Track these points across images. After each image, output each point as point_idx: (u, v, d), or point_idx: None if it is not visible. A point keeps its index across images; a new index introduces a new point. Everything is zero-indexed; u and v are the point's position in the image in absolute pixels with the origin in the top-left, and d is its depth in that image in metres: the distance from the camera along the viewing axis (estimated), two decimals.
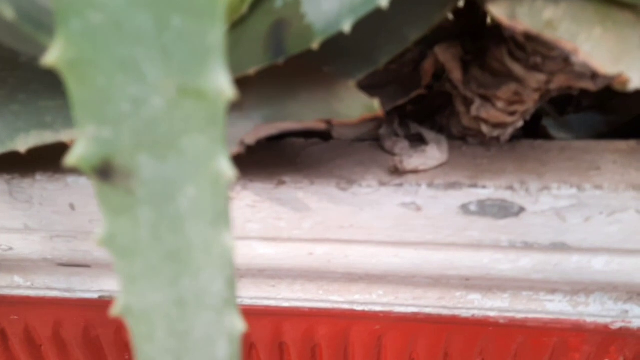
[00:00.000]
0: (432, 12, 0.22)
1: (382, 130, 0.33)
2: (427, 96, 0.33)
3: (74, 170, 0.31)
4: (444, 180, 0.29)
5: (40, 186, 0.31)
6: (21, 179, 0.31)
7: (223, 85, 0.13)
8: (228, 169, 0.13)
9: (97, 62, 0.13)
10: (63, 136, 0.25)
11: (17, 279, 0.40)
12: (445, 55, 0.27)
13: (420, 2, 0.22)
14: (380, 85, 0.30)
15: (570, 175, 0.29)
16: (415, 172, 0.30)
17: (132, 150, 0.13)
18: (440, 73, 0.30)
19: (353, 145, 0.33)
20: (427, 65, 0.28)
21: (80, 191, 0.32)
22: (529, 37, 0.20)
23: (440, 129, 0.33)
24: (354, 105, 0.24)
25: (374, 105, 0.23)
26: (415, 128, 0.33)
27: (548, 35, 0.19)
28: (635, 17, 0.20)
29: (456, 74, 0.27)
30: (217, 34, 0.13)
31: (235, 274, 0.14)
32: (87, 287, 0.39)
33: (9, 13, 0.17)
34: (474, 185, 0.29)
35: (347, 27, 0.21)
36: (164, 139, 0.13)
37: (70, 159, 0.13)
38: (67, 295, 0.40)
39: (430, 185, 0.29)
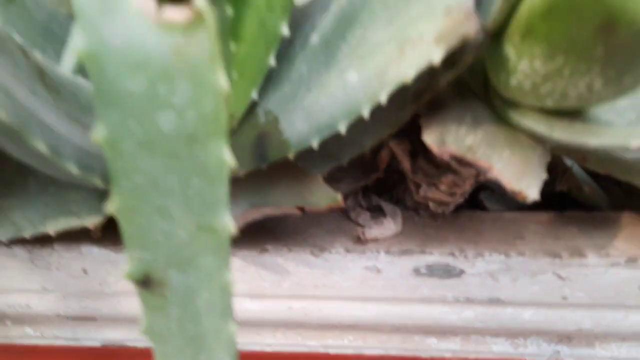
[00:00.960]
0: (383, 130, 0.29)
1: (348, 202, 0.39)
2: (385, 174, 0.39)
3: (87, 240, 0.37)
4: (399, 248, 0.35)
5: (58, 254, 0.37)
6: (41, 248, 0.37)
7: (227, 224, 0.19)
8: (231, 279, 0.20)
9: (141, 209, 0.19)
10: (86, 222, 0.31)
11: (28, 330, 0.45)
12: (397, 149, 0.34)
13: (375, 122, 0.28)
14: (345, 169, 0.37)
15: (500, 243, 0.35)
16: (375, 240, 0.36)
17: (164, 267, 0.19)
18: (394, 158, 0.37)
19: (323, 215, 0.39)
20: (384, 155, 0.35)
21: (92, 259, 0.37)
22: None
23: (397, 201, 0.40)
24: (322, 196, 0.30)
25: (338, 198, 0.30)
26: (375, 200, 0.39)
27: (469, 157, 0.26)
28: (534, 141, 0.27)
29: (406, 164, 0.34)
30: (223, 191, 0.19)
31: (237, 350, 0.20)
32: (91, 336, 0.45)
33: (74, 169, 0.23)
34: (423, 252, 0.35)
35: (315, 144, 0.27)
36: (186, 259, 0.19)
37: (125, 274, 0.19)
38: (73, 343, 0.45)
39: (388, 252, 0.35)
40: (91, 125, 0.24)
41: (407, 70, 0.23)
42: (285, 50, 0.27)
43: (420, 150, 0.35)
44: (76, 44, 0.26)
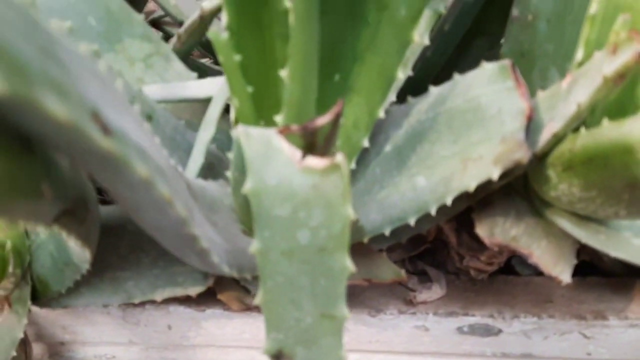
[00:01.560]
0: (441, 218, 0.35)
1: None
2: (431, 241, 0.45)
3: (175, 301, 0.42)
4: (445, 310, 0.41)
5: (148, 313, 0.43)
6: (134, 308, 0.43)
7: (345, 313, 0.25)
8: (345, 354, 0.25)
9: (279, 301, 0.25)
10: (190, 292, 0.36)
11: None
12: (445, 226, 0.40)
13: (436, 214, 0.34)
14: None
15: (533, 306, 0.41)
16: (424, 303, 0.42)
17: (293, 345, 0.25)
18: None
19: None
20: (432, 230, 0.41)
21: (177, 316, 0.43)
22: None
23: (438, 265, 0.46)
24: (388, 271, 0.36)
25: (401, 274, 0.36)
26: (421, 265, 0.45)
27: (513, 245, 0.32)
28: (565, 233, 0.33)
29: (452, 239, 0.40)
30: (343, 288, 0.25)
31: None
32: None
33: (226, 269, 0.28)
34: (466, 314, 0.41)
35: (387, 232, 0.33)
36: (311, 339, 0.25)
37: (264, 350, 0.25)
38: None
39: (435, 313, 0.41)
40: (218, 223, 0.30)
41: (469, 181, 0.29)
42: (363, 155, 0.34)
43: (464, 228, 0.41)
44: (199, 150, 0.32)
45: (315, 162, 0.24)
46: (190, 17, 0.37)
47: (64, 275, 0.34)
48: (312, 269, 0.25)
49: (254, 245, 0.24)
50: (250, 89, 0.28)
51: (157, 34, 0.37)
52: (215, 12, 0.37)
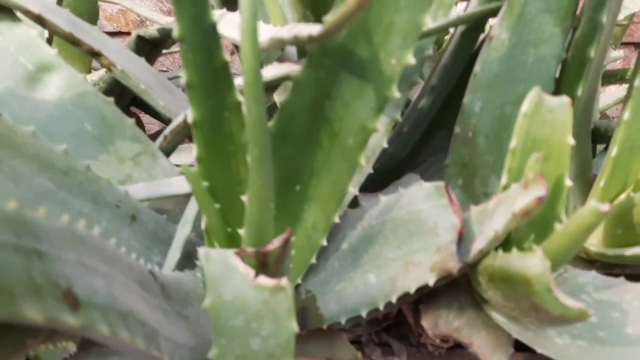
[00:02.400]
0: (394, 307, 0.39)
1: (363, 339, 0.49)
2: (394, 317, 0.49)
3: None
4: None
5: None
6: None
7: None
8: None
9: None
10: None
11: None
12: (404, 306, 0.44)
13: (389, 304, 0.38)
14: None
15: None
16: None
17: None
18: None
19: None
20: (393, 310, 0.45)
21: None
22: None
23: (402, 336, 0.49)
24: (346, 352, 0.40)
25: (358, 356, 0.39)
26: (385, 337, 0.49)
27: (455, 335, 0.36)
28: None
29: (410, 319, 0.44)
30: None
31: None
32: None
33: None
34: None
35: (343, 321, 0.37)
36: None
37: None
38: None
39: None
40: (189, 316, 0.34)
41: (410, 284, 0.33)
42: (323, 251, 0.38)
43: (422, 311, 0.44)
44: (176, 246, 0.37)
45: (266, 281, 0.28)
46: (176, 121, 0.42)
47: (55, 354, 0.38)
48: None
49: (212, 352, 0.28)
50: (217, 206, 0.32)
51: (145, 137, 0.41)
52: None
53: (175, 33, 0.26)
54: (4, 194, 0.29)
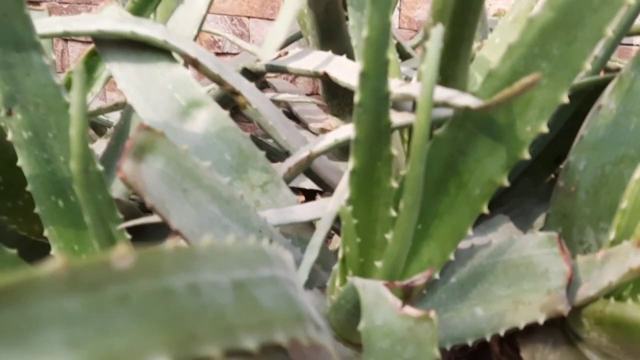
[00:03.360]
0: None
1: None
2: None
3: None
4: None
5: None
6: None
7: None
8: None
9: None
10: None
11: None
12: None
13: None
14: None
15: None
16: None
17: None
18: None
19: None
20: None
21: None
22: None
23: None
24: None
25: None
26: None
27: None
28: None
29: (495, 348, 0.48)
30: None
31: None
32: None
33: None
34: None
35: (448, 348, 0.42)
36: None
37: None
38: None
39: None
40: None
41: (519, 320, 0.38)
42: (432, 283, 0.42)
43: (507, 339, 0.49)
44: (305, 269, 0.42)
45: (412, 311, 0.32)
46: (299, 154, 0.47)
47: None
48: None
49: None
50: (358, 240, 0.37)
51: (272, 167, 0.47)
52: (319, 154, 0.47)
53: (356, 99, 0.32)
54: (191, 219, 0.34)
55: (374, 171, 0.35)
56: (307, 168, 0.53)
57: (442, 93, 0.35)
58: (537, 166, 0.53)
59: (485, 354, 0.53)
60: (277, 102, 0.91)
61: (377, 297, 0.33)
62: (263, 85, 0.95)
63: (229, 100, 0.51)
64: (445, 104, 0.34)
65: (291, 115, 0.86)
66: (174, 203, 0.34)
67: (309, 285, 0.45)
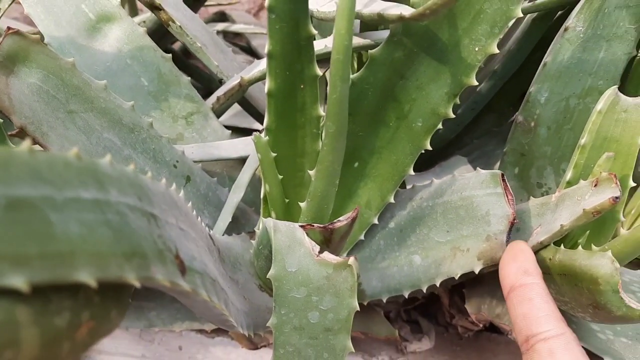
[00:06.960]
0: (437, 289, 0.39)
1: (392, 314, 0.49)
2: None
3: (186, 328, 0.47)
4: None
5: (162, 333, 0.47)
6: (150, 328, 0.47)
7: None
8: None
9: None
10: (206, 327, 0.41)
11: None
12: (439, 288, 0.44)
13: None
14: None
15: None
16: (413, 353, 0.46)
17: None
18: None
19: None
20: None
21: (189, 340, 0.47)
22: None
23: (430, 316, 0.50)
24: (383, 329, 0.40)
25: (394, 332, 0.40)
26: (415, 315, 0.49)
27: (496, 321, 0.36)
28: None
29: (444, 300, 0.44)
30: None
31: None
32: None
33: (249, 331, 0.33)
34: None
35: (384, 299, 0.38)
36: None
37: None
38: None
39: None
40: (239, 281, 0.34)
41: (456, 269, 0.34)
42: (371, 229, 0.38)
43: (456, 291, 0.45)
44: (228, 210, 0.37)
45: (331, 257, 0.28)
46: (230, 82, 0.42)
47: None
48: (318, 344, 0.29)
49: (270, 320, 0.28)
50: (280, 177, 0.32)
51: (199, 96, 0.41)
52: (252, 82, 0.41)
53: (266, 2, 0.26)
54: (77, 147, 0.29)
55: (296, 95, 0.30)
56: (246, 102, 0.47)
57: (379, 5, 0.30)
58: (501, 102, 0.48)
59: (437, 306, 0.49)
60: (236, 35, 0.84)
61: (291, 240, 0.28)
62: (222, 18, 0.88)
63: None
64: (380, 18, 0.29)
65: (250, 50, 0.79)
66: (54, 126, 0.29)
67: (236, 227, 0.40)
